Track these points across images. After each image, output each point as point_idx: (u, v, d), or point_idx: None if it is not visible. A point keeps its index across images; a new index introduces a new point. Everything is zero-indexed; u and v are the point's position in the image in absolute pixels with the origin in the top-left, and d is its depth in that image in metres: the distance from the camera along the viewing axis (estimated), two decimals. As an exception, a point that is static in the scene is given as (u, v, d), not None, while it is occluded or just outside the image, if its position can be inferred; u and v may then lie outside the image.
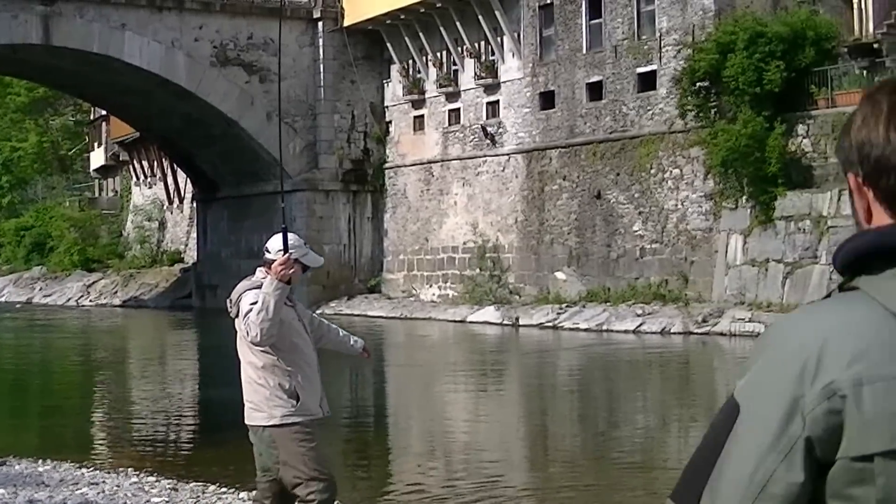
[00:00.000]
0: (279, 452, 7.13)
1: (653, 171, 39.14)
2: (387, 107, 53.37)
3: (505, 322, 40.62)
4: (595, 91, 42.34)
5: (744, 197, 34.47)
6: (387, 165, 53.11)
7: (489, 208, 46.85)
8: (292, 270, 7.10)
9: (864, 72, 34.21)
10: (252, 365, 7.22)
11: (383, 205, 52.80)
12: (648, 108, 39.95)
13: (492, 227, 46.55)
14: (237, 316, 7.23)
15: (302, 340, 7.31)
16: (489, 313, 42.35)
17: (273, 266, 7.12)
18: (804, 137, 33.93)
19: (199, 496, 11.54)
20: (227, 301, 7.34)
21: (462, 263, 47.76)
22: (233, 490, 11.98)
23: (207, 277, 58.99)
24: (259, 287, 7.14)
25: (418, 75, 51.30)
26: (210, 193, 58.76)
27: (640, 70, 40.36)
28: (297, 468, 7.11)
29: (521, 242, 44.97)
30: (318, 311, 50.02)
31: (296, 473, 7.11)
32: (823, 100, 33.92)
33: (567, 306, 39.73)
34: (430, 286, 49.33)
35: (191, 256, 64.73)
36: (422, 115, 51.58)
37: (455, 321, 43.00)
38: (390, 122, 53.33)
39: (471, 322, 42.33)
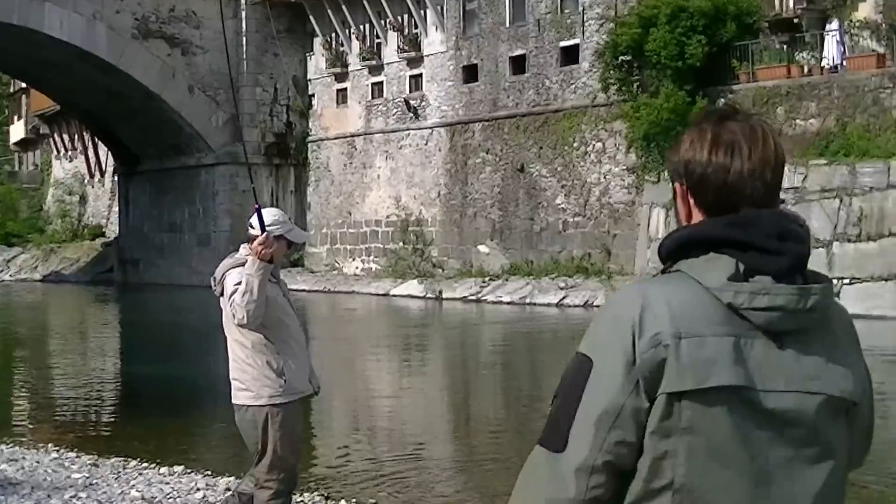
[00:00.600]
0: (259, 432, 7.03)
1: (575, 145, 39.30)
2: (309, 80, 53.12)
3: (428, 295, 40.63)
4: (518, 65, 42.40)
5: (666, 170, 34.54)
6: (310, 139, 52.88)
7: (412, 182, 46.81)
8: (273, 248, 6.91)
9: (785, 47, 34.52)
10: (239, 344, 7.11)
11: (306, 178, 52.59)
12: (571, 82, 40.07)
13: (415, 200, 46.53)
14: (222, 294, 7.07)
15: (288, 317, 7.20)
16: (412, 287, 42.35)
17: (252, 245, 6.94)
18: (725, 111, 34.13)
19: (119, 471, 11.44)
20: (212, 279, 7.16)
21: (385, 237, 47.73)
22: (154, 465, 11.89)
23: (129, 252, 58.53)
24: (243, 265, 6.97)
25: (341, 49, 51.07)
26: (132, 167, 58.22)
27: (564, 44, 40.47)
28: (268, 451, 7.02)
29: (445, 216, 45.00)
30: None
31: (265, 456, 7.03)
32: (744, 74, 34.19)
33: (490, 280, 39.84)
34: (354, 260, 49.24)
35: (112, 231, 64.16)
36: (345, 89, 51.39)
37: (378, 295, 42.97)
38: (313, 95, 53.09)
39: (394, 295, 42.31)
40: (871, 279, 28.82)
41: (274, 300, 7.02)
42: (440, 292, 40.36)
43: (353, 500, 10.33)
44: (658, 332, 2.38)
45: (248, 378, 7.05)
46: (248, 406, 7.06)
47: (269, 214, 7.14)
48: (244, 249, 7.08)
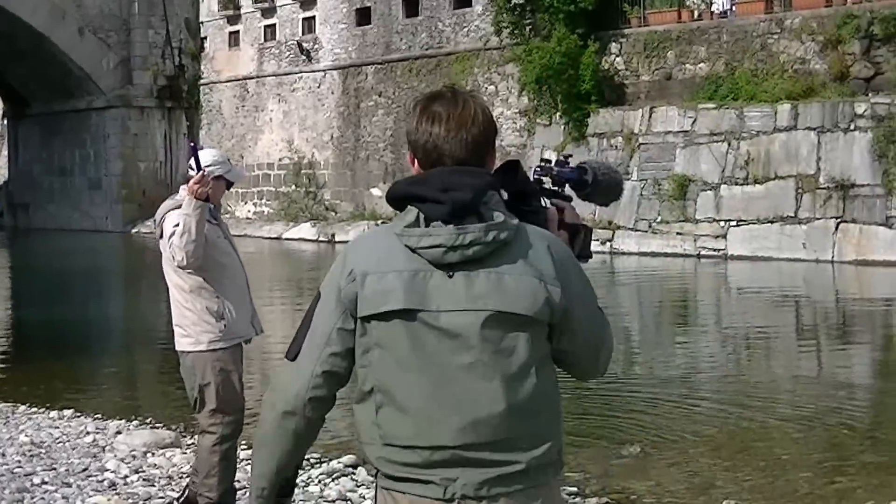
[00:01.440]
0: (198, 378, 6.89)
1: (468, 88, 39.19)
2: (202, 22, 52.45)
3: (321, 239, 40.59)
4: (411, 7, 42.25)
5: (557, 114, 34.84)
6: (202, 82, 52.29)
7: (305, 125, 46.56)
8: (209, 187, 6.76)
9: (675, -9, 34.78)
10: (178, 288, 6.95)
11: (198, 121, 52.01)
12: (464, 24, 40.05)
13: (307, 143, 46.31)
14: (161, 237, 6.93)
15: (229, 259, 7.06)
16: (305, 230, 42.26)
17: (189, 184, 6.76)
18: (617, 56, 34.41)
19: (8, 416, 11.35)
20: (153, 221, 7.02)
21: (278, 180, 47.48)
22: (43, 409, 11.81)
23: (19, 196, 57.64)
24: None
25: (233, -10, 50.49)
26: (20, 110, 57.12)
27: (457, -13, 40.39)
28: (209, 396, 6.89)
29: (337, 159, 44.86)
30: (133, 230, 49.30)
31: (206, 401, 6.90)
32: (636, 18, 34.40)
33: (383, 222, 39.65)
34: (246, 203, 48.92)
35: (1, 175, 62.94)
36: (237, 31, 50.83)
37: (271, 238, 42.82)
38: (205, 38, 52.46)
39: (287, 239, 42.19)
40: (758, 221, 29.33)
41: (213, 241, 6.90)
42: (333, 235, 40.33)
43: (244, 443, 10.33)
44: (352, 269, 3.15)
45: (187, 323, 6.92)
46: (188, 352, 6.94)
47: (208, 155, 6.99)
48: (183, 191, 6.92)
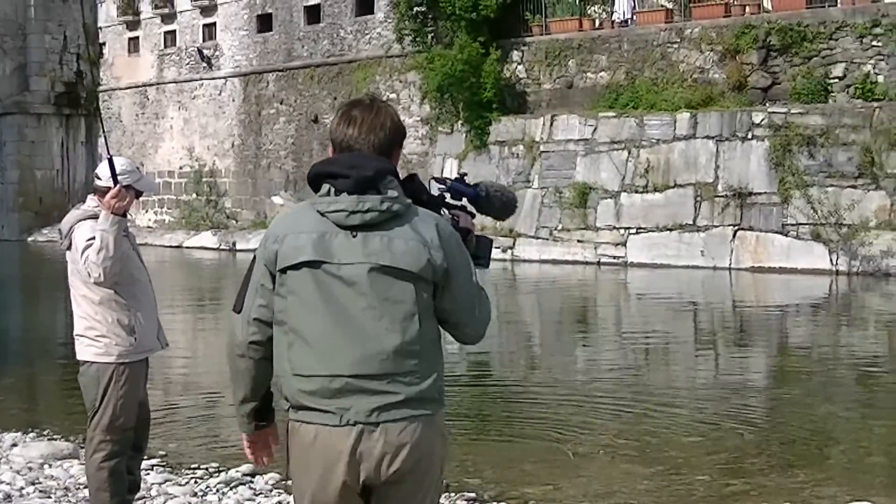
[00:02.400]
0: (100, 390, 6.70)
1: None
2: (100, 28, 51.85)
3: (222, 247, 40.28)
4: (313, 14, 42.13)
5: (459, 122, 34.92)
6: (101, 88, 51.68)
7: (206, 132, 46.22)
8: (126, 202, 6.56)
9: (577, 0, 34.99)
10: (87, 299, 6.73)
11: (97, 129, 51.39)
12: (366, 32, 40.01)
13: (208, 151, 45.98)
14: (69, 248, 6.70)
15: (139, 272, 6.88)
16: (206, 238, 41.92)
17: (105, 199, 6.54)
18: (519, 64, 34.58)
19: None
20: (58, 230, 6.79)
21: (178, 188, 47.08)
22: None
23: None
24: (92, 217, 6.62)
25: (132, -5, 49.98)
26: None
27: (359, -6, 40.36)
28: (107, 410, 6.71)
29: (238, 167, 44.60)
30: (30, 239, 48.57)
31: (104, 415, 6.72)
32: (538, 26, 34.59)
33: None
34: (147, 211, 48.42)
35: None
36: (137, 37, 50.35)
37: (172, 247, 42.40)
38: (104, 43, 51.87)
39: (187, 247, 41.81)
40: (657, 229, 29.62)
41: (127, 255, 6.71)
42: (234, 244, 40.05)
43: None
44: (276, 234, 3.94)
45: (95, 334, 6.72)
46: (93, 362, 6.75)
47: (117, 164, 6.72)
48: (91, 200, 6.75)
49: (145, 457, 8.26)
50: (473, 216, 4.27)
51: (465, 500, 8.41)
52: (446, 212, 4.18)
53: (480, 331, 4.04)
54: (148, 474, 8.74)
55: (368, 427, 3.78)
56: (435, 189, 4.23)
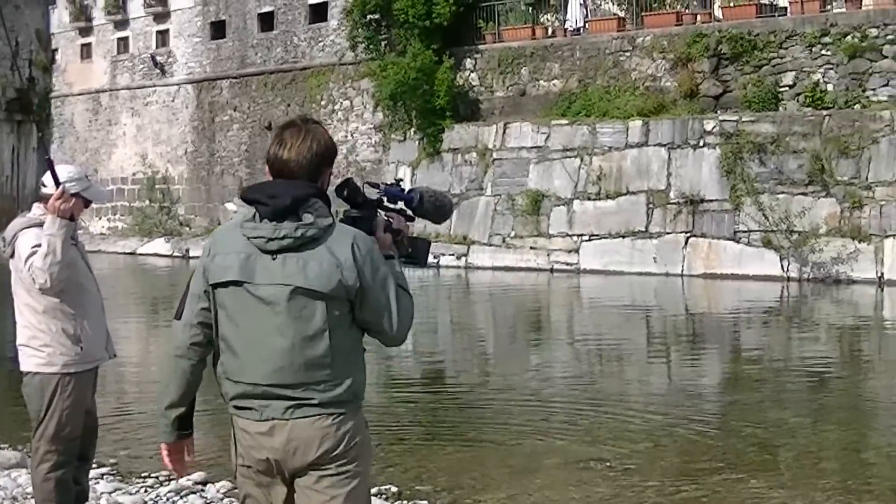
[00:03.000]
0: (45, 401, 6.54)
1: (323, 103, 39.23)
2: (53, 34, 51.50)
3: (175, 254, 40.08)
4: (267, 21, 42.03)
5: (412, 129, 34.90)
6: (53, 94, 51.34)
7: (159, 139, 45.98)
8: (72, 204, 6.38)
9: (530, 8, 35.11)
10: (30, 308, 6.56)
11: (50, 135, 51.03)
12: (320, 39, 39.95)
13: (161, 158, 45.74)
14: (12, 256, 6.49)
15: (87, 280, 6.70)
16: (159, 245, 41.71)
17: (49, 203, 6.37)
18: (472, 71, 34.62)
19: None
20: (1, 238, 6.64)
21: (132, 195, 46.80)
22: None
23: None
24: (37, 225, 6.43)
25: (85, 2, 49.67)
26: None
27: (312, 1, 40.32)
28: (52, 421, 6.57)
29: (192, 174, 44.39)
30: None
31: (48, 425, 6.57)
32: (491, 35, 34.65)
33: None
34: (100, 218, 48.11)
35: None
36: (89, 43, 50.04)
37: (125, 253, 42.15)
38: (56, 49, 51.52)
39: (141, 254, 41.58)
40: (610, 236, 29.72)
41: (74, 263, 6.53)
42: (187, 250, 39.85)
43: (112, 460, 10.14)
44: (210, 250, 4.32)
45: (39, 344, 6.55)
46: (37, 373, 6.58)
47: (65, 171, 6.56)
48: (37, 209, 6.55)
49: (95, 465, 8.22)
50: (412, 219, 4.59)
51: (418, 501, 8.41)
52: (382, 214, 4.50)
53: (400, 336, 4.36)
54: (98, 483, 8.68)
55: (282, 422, 4.22)
56: (373, 193, 4.53)
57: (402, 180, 4.79)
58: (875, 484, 9.11)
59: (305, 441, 4.22)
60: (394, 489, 8.99)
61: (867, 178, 26.06)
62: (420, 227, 31.96)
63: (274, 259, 4.18)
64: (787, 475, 9.49)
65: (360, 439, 4.30)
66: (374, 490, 8.69)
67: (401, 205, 4.57)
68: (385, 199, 4.54)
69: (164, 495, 8.57)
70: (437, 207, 4.64)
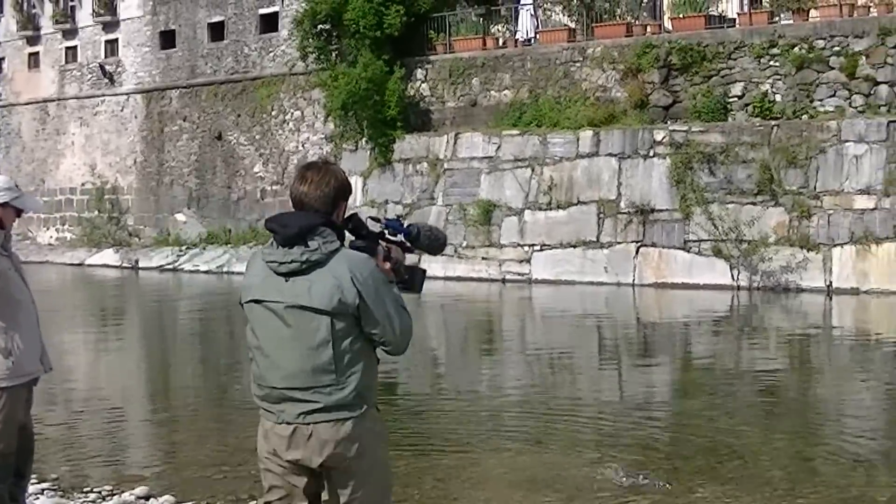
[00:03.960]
0: None
1: (274, 113, 39.08)
2: (0, 43, 51.03)
3: (124, 265, 39.75)
4: (217, 31, 41.85)
5: (363, 139, 34.77)
6: (0, 104, 50.89)
7: (108, 149, 45.63)
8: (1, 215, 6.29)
9: (481, 19, 35.11)
10: None
11: (-4, 144, 50.58)
12: (270, 49, 39.82)
13: (111, 168, 45.40)
14: None
15: (20, 292, 6.53)
16: (108, 256, 41.37)
17: None
18: (423, 82, 34.57)
19: None
20: None
21: (80, 205, 46.42)
22: None
23: None
24: None
25: (33, 10, 49.28)
26: None
27: (263, 11, 40.17)
28: None
29: (141, 184, 44.07)
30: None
31: None
32: (441, 45, 34.59)
33: (187, 248, 39.25)
34: (48, 229, 47.70)
35: None
36: (37, 52, 49.65)
37: (73, 265, 41.80)
38: (3, 58, 51.11)
39: (89, 265, 41.24)
40: (561, 246, 29.73)
41: (5, 274, 6.40)
42: (136, 261, 39.57)
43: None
44: (244, 275, 5.10)
45: None
46: None
47: None
48: None
49: (36, 480, 8.08)
50: (410, 251, 5.17)
51: None
52: (383, 244, 5.08)
53: (401, 346, 5.02)
54: (38, 499, 8.54)
55: (300, 426, 4.89)
56: (376, 226, 5.13)
57: (401, 216, 5.63)
58: (822, 492, 9.09)
59: (320, 442, 4.89)
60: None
61: (815, 188, 26.20)
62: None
63: (286, 281, 4.86)
64: (736, 484, 9.44)
65: (369, 437, 4.98)
66: None
67: (400, 237, 5.13)
68: (386, 231, 5.12)
69: (106, 511, 8.44)
70: (431, 241, 5.24)
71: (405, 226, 5.17)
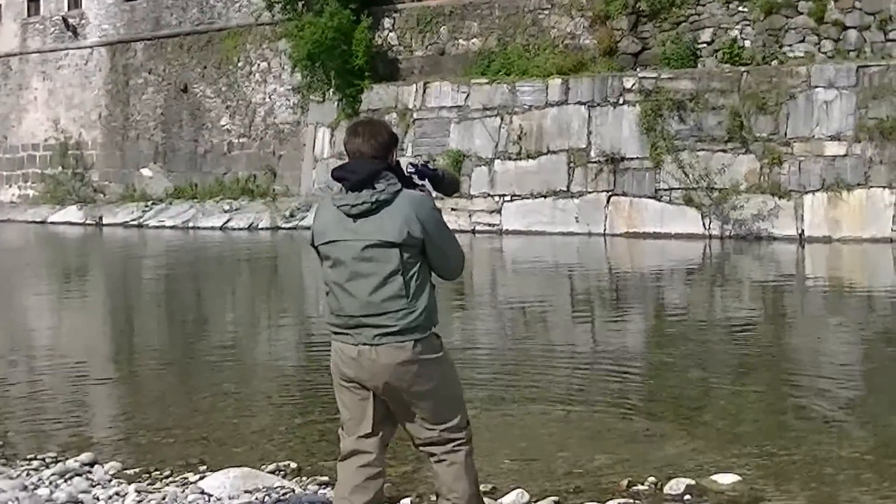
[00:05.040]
0: None
1: (240, 65, 38.55)
2: (-41, -3, 50.22)
3: (88, 221, 39.29)
4: (181, -19, 41.20)
5: (331, 90, 34.33)
6: (-41, 59, 50.09)
7: (71, 104, 44.95)
8: None
9: (447, -34, 34.62)
10: None
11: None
12: (236, 0, 39.21)
13: (74, 123, 44.74)
14: None
15: None
16: (71, 213, 40.85)
17: None
18: (390, 31, 34.12)
19: None
20: None
21: (43, 161, 45.74)
22: None
23: None
24: None
25: (-7, -37, 48.47)
26: None
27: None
28: None
29: (106, 139, 43.45)
30: None
31: None
32: (408, -7, 34.16)
33: (153, 204, 38.81)
34: (10, 186, 47.06)
35: None
36: (-1, 6, 48.85)
37: (36, 222, 41.32)
38: (-38, 13, 50.23)
39: (52, 223, 40.77)
40: (531, 196, 29.44)
41: None
42: (100, 218, 39.10)
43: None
44: (314, 221, 5.80)
45: None
46: None
47: None
48: None
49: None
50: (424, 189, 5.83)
51: (317, 483, 8.01)
52: (419, 184, 5.81)
53: (456, 272, 5.88)
54: (-22, 466, 8.21)
55: (369, 348, 5.55)
56: (410, 169, 5.81)
57: (428, 162, 6.23)
58: (792, 449, 8.82)
59: (387, 363, 5.55)
60: (293, 465, 8.58)
61: (785, 134, 26.05)
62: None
63: (356, 221, 5.55)
64: (705, 440, 9.16)
65: (436, 357, 5.69)
66: (271, 467, 8.40)
67: (425, 182, 5.85)
68: (414, 176, 5.81)
69: (48, 478, 8.08)
70: (450, 183, 6.03)
71: (434, 170, 5.94)
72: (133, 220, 37.88)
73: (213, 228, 34.44)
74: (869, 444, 8.95)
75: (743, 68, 26.97)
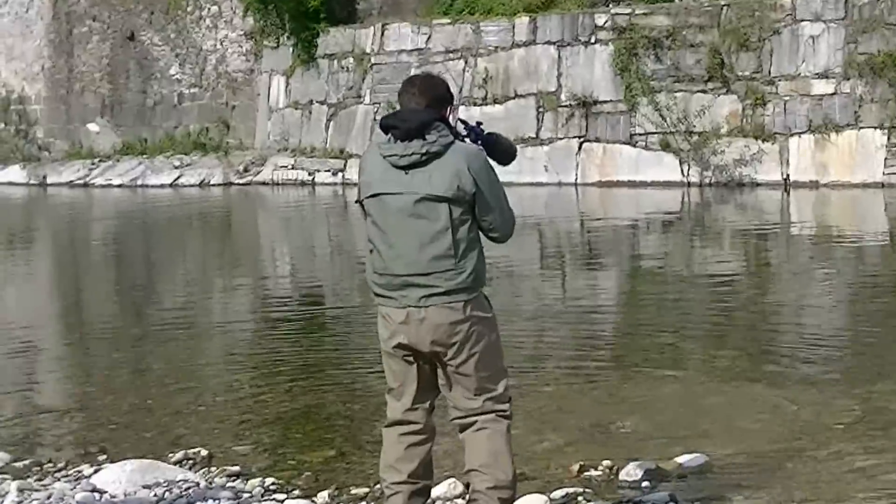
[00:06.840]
0: None
1: (189, 10, 36.85)
2: None
3: (31, 181, 37.85)
4: (126, -76, 39.47)
5: (285, 35, 32.90)
6: None
7: (12, 55, 43.02)
8: None
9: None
10: None
11: None
12: (184, -59, 37.58)
13: (16, 76, 42.85)
14: None
15: None
16: (14, 173, 39.14)
17: None
18: (347, -31, 32.74)
19: None
20: None
21: (-17, 118, 44.00)
22: None
23: None
24: None
25: None
26: None
27: None
28: None
29: (50, 92, 41.54)
30: None
31: None
32: (365, -68, 32.72)
33: (100, 161, 37.26)
34: (-50, 145, 45.30)
35: None
36: (-63, -45, 46.95)
37: (-25, 184, 39.88)
38: None
39: (-6, 184, 39.33)
40: (498, 144, 28.00)
41: None
42: (44, 177, 37.58)
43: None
44: (360, 173, 5.71)
45: None
46: None
47: None
48: None
49: None
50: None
51: (227, 475, 7.24)
52: (468, 141, 5.61)
53: (507, 233, 5.61)
54: None
55: (416, 309, 5.39)
56: (462, 129, 5.61)
57: (481, 123, 5.84)
58: (765, 420, 8.09)
59: (436, 323, 5.38)
60: (204, 453, 7.71)
61: (769, 73, 25.13)
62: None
63: (406, 174, 5.36)
64: (670, 416, 8.31)
65: (487, 317, 5.50)
66: (178, 455, 7.70)
67: (479, 143, 5.61)
68: (466, 138, 5.60)
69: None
70: (504, 150, 5.77)
71: (486, 133, 5.71)
72: (79, 179, 36.42)
73: (162, 186, 33.19)
74: (856, 414, 8.17)
75: (723, 2, 25.81)
